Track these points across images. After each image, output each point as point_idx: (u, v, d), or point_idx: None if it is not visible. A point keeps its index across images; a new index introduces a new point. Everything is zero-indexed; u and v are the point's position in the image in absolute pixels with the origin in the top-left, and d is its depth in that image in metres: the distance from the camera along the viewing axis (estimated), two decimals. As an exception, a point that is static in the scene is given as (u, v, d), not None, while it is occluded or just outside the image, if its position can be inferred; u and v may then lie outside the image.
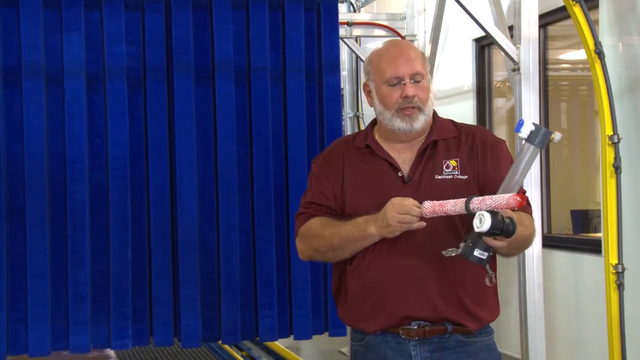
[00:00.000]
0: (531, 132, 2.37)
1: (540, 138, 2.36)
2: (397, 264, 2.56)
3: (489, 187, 2.57)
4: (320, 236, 2.63)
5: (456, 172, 2.60)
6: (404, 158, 2.64)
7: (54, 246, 4.59)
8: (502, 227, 2.32)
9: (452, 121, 2.75)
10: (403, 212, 2.43)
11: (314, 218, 2.67)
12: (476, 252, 2.37)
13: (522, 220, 2.50)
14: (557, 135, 2.39)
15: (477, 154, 2.63)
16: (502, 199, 2.34)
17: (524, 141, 2.39)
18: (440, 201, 2.41)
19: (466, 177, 2.60)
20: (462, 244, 2.40)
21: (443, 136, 2.66)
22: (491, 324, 2.70)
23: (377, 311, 2.60)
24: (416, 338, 2.58)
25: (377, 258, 2.58)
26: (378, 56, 2.66)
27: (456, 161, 2.62)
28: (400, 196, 2.54)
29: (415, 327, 2.57)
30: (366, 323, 2.63)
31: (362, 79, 7.51)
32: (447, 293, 2.56)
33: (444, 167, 2.61)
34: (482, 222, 2.31)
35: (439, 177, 2.59)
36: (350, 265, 2.64)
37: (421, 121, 2.60)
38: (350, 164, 2.69)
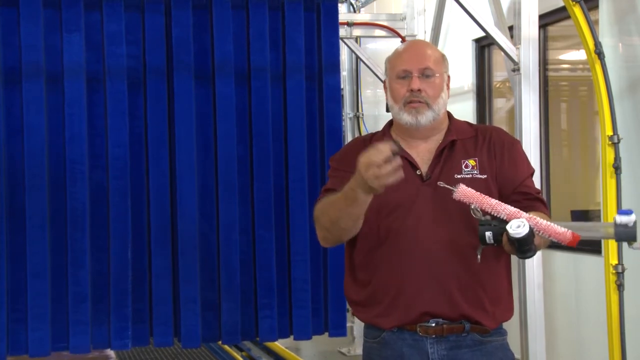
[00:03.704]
0: (624, 225, 2.36)
1: (624, 236, 2.37)
2: (416, 259, 2.56)
3: (507, 187, 2.60)
4: (323, 212, 2.58)
5: (475, 172, 2.61)
6: (422, 158, 2.65)
7: (54, 246, 4.59)
8: (526, 247, 2.33)
9: (467, 122, 2.77)
10: (366, 160, 2.32)
11: (321, 200, 2.63)
12: (488, 233, 2.37)
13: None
14: (635, 245, 2.41)
15: (494, 153, 2.65)
16: (558, 228, 2.37)
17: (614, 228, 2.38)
18: (484, 195, 2.40)
19: (485, 176, 2.62)
20: (487, 217, 2.38)
21: (460, 136, 2.67)
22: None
23: (395, 306, 2.59)
24: (433, 336, 2.58)
25: (395, 254, 2.58)
26: (395, 53, 2.69)
27: (475, 161, 2.63)
28: (420, 194, 2.56)
29: (433, 325, 2.58)
30: (384, 318, 2.62)
31: (362, 79, 7.57)
32: (465, 290, 2.57)
33: (463, 166, 2.62)
34: (519, 229, 2.30)
35: (458, 176, 2.59)
36: (367, 262, 2.64)
37: (428, 117, 2.60)
38: None
